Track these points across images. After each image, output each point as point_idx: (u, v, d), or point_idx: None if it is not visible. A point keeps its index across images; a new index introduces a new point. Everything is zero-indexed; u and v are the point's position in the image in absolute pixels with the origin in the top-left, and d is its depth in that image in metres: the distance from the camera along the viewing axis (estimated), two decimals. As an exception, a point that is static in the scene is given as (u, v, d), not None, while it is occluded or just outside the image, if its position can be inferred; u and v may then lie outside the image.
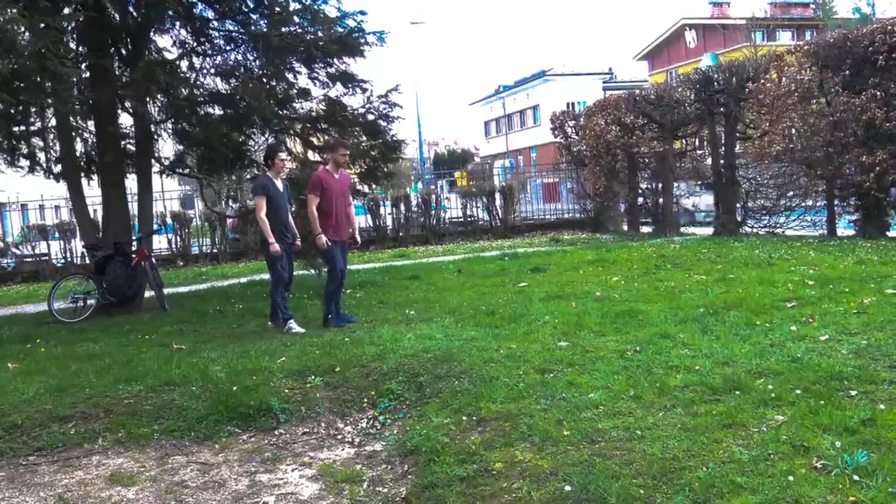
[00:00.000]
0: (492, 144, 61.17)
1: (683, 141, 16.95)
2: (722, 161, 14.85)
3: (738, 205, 14.84)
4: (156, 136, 10.60)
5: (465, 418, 4.24)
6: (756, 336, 5.17)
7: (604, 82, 51.44)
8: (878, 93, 11.12)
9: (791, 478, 2.96)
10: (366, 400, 5.01)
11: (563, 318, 6.41)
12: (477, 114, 65.62)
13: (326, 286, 7.35)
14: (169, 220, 17.72)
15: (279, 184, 7.38)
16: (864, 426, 3.36)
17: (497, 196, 20.07)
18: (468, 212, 20.46)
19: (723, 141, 14.91)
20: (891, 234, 11.73)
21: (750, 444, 3.35)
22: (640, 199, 17.53)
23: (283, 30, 9.58)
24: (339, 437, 4.58)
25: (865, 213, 12.03)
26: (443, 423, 4.22)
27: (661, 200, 16.65)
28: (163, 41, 10.39)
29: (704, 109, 15.14)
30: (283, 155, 7.57)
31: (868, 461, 2.99)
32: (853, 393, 3.81)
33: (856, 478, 2.89)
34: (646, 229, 17.12)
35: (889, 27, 11.34)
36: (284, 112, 10.50)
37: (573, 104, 40.37)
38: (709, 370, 4.45)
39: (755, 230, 14.42)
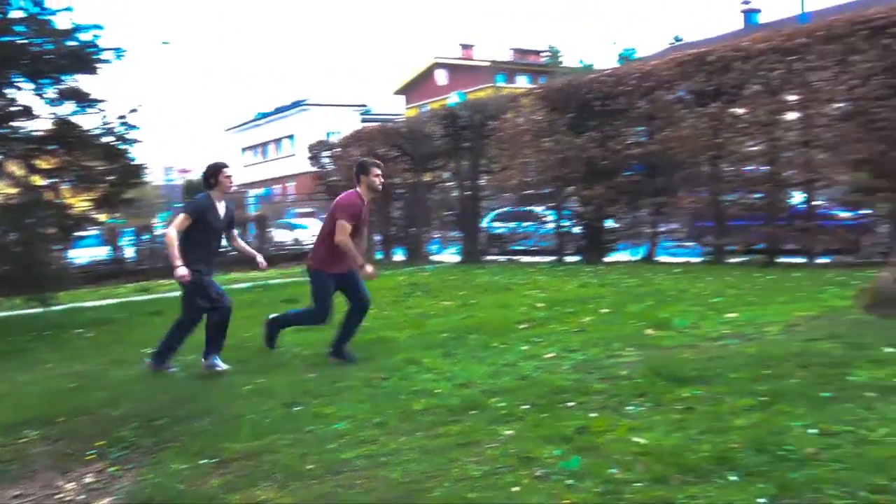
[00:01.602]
0: (249, 172, 59.46)
1: (433, 173, 17.80)
2: (467, 193, 15.84)
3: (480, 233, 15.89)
4: None
5: (204, 461, 4.00)
6: (492, 357, 5.52)
7: (361, 114, 52.46)
8: (596, 134, 12.63)
9: (516, 488, 3.16)
10: (93, 452, 4.53)
11: (313, 349, 6.36)
12: (234, 140, 63.42)
13: (307, 315, 6.37)
14: None
15: (220, 207, 6.25)
16: (578, 434, 3.70)
17: (250, 225, 19.51)
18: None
19: (468, 174, 15.92)
20: (607, 259, 13.27)
21: (482, 459, 3.54)
22: (393, 229, 18.04)
23: (2, 40, 8.63)
24: (59, 496, 4.08)
25: (587, 240, 13.52)
26: (179, 469, 3.94)
27: (412, 230, 17.29)
28: None
29: (452, 144, 16.06)
30: (227, 171, 6.27)
31: (580, 466, 3.30)
32: (570, 404, 4.20)
33: (570, 482, 3.16)
34: (399, 258, 17.64)
35: (603, 78, 12.98)
36: (3, 131, 9.42)
37: (330, 135, 40.59)
38: (449, 392, 4.66)
39: (496, 257, 15.52)
